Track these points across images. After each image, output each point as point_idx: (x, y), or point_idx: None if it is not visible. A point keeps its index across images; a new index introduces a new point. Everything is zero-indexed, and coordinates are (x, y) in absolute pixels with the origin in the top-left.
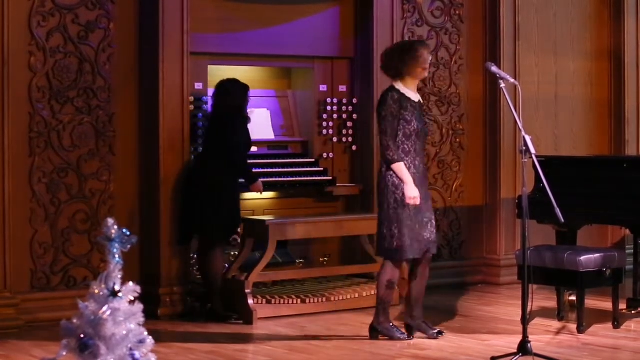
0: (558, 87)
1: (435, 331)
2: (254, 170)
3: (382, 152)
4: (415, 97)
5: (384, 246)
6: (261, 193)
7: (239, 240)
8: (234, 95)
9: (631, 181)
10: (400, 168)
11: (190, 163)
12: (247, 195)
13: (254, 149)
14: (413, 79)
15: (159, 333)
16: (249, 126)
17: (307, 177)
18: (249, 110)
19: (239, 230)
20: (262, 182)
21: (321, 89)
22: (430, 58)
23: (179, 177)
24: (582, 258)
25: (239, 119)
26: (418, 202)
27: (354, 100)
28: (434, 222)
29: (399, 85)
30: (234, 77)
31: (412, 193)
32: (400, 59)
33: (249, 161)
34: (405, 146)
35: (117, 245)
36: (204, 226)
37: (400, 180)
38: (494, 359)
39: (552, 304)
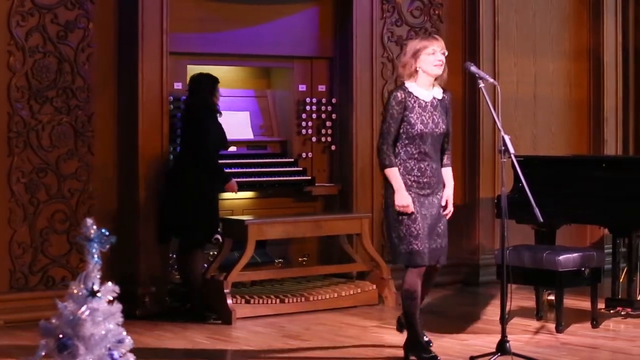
0: (537, 87)
1: (426, 339)
2: (226, 170)
3: (377, 155)
4: (428, 95)
5: (395, 253)
6: (235, 192)
7: (220, 240)
8: (202, 88)
9: (609, 181)
10: (392, 174)
11: (170, 163)
12: (226, 195)
13: (232, 148)
14: (426, 74)
15: (137, 333)
16: (228, 124)
17: (286, 177)
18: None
19: (219, 230)
20: (241, 182)
21: (300, 89)
22: (443, 52)
23: (158, 177)
24: (561, 258)
25: (209, 114)
26: (409, 210)
27: (333, 100)
28: (442, 231)
29: (409, 83)
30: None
31: (401, 201)
32: (412, 55)
33: (227, 161)
34: (409, 149)
35: (95, 245)
36: (183, 227)
37: (412, 177)
38: (473, 359)
39: (531, 303)
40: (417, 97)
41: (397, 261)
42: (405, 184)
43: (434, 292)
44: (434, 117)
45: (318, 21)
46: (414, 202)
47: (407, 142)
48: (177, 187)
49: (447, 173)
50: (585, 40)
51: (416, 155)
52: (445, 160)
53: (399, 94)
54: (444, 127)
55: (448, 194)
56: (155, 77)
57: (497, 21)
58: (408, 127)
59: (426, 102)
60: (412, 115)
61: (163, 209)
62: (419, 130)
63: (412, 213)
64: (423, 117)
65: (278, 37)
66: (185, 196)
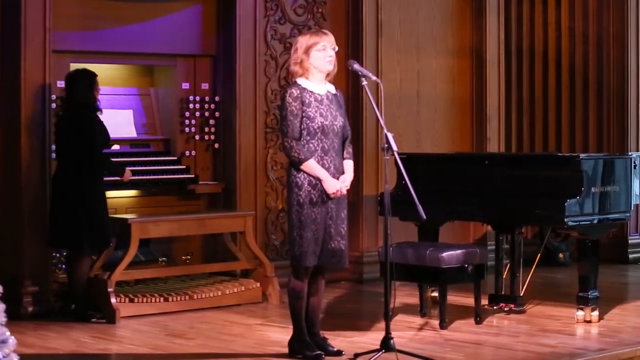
0: (420, 84)
1: (335, 349)
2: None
3: (286, 155)
4: (322, 89)
5: (290, 253)
6: (129, 178)
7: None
8: (80, 86)
9: (492, 178)
10: (311, 166)
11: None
12: (111, 193)
13: (115, 147)
14: (318, 70)
15: (21, 333)
16: (111, 123)
17: (170, 175)
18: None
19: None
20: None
21: (184, 87)
22: (334, 47)
23: (41, 177)
24: (444, 254)
25: (90, 112)
26: (344, 192)
27: (217, 98)
28: (344, 232)
29: (301, 80)
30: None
31: (331, 188)
32: (304, 52)
33: (111, 159)
34: (311, 145)
35: None
36: (72, 239)
37: (316, 178)
38: (357, 356)
39: (415, 300)
40: (312, 91)
41: (290, 261)
42: (310, 182)
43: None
44: (332, 110)
45: (201, 19)
46: (318, 202)
47: (308, 138)
48: (63, 195)
49: (348, 164)
50: (468, 38)
51: (319, 152)
52: (345, 154)
53: (294, 91)
54: (342, 120)
55: (345, 177)
56: (38, 75)
57: (381, 19)
58: (308, 121)
59: (322, 96)
60: (310, 109)
61: (53, 215)
62: (319, 123)
63: (320, 212)
64: (321, 110)
65: (161, 35)
66: (71, 206)
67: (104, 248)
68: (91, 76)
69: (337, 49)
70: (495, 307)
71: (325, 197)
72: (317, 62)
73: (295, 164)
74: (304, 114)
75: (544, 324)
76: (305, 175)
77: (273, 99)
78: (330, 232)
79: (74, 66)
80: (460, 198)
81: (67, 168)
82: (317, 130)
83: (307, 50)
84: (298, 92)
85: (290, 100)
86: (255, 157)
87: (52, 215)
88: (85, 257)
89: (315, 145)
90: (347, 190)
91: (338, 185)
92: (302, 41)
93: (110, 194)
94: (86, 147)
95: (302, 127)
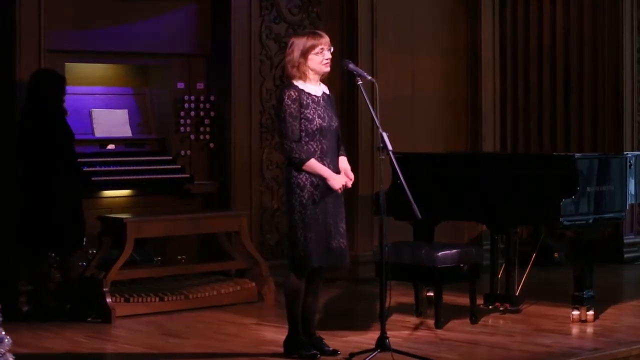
0: (415, 84)
1: (331, 349)
2: (104, 168)
3: (286, 157)
4: (318, 90)
5: (291, 254)
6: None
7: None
8: (49, 89)
9: (487, 177)
10: (313, 165)
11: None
12: (106, 193)
13: (110, 146)
14: (315, 73)
15: (17, 332)
16: (106, 122)
17: (165, 175)
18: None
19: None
20: (119, 180)
21: (178, 87)
22: (330, 49)
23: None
24: (439, 254)
25: (62, 114)
26: (349, 185)
27: (212, 98)
28: (344, 231)
29: (298, 82)
30: (90, 74)
31: (337, 184)
32: (302, 55)
33: (105, 159)
34: (310, 147)
35: None
36: (53, 241)
37: (318, 178)
38: (353, 355)
39: (410, 299)
40: (309, 93)
41: (289, 262)
42: (312, 183)
43: None
44: (328, 111)
45: (196, 19)
46: (319, 202)
47: (307, 139)
48: (36, 197)
49: (344, 160)
50: (463, 37)
51: (319, 153)
52: (340, 152)
53: (292, 92)
54: (337, 121)
55: (347, 172)
56: None
57: (375, 19)
58: (306, 123)
59: (318, 97)
60: (308, 111)
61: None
62: (318, 125)
63: (321, 213)
64: (319, 112)
65: (156, 34)
66: (48, 208)
67: (78, 248)
68: (62, 81)
69: (332, 49)
70: (490, 307)
71: (325, 196)
72: (315, 65)
73: (296, 165)
74: (302, 116)
75: (539, 324)
76: (307, 176)
77: (268, 99)
78: (331, 232)
79: (69, 66)
80: (455, 198)
81: (37, 171)
82: (316, 132)
83: (304, 54)
84: (296, 93)
85: (289, 102)
86: (250, 157)
87: (25, 222)
88: (70, 255)
89: (315, 146)
90: (344, 189)
91: (343, 180)
92: (299, 43)
93: (105, 193)
94: (66, 149)
95: (301, 128)
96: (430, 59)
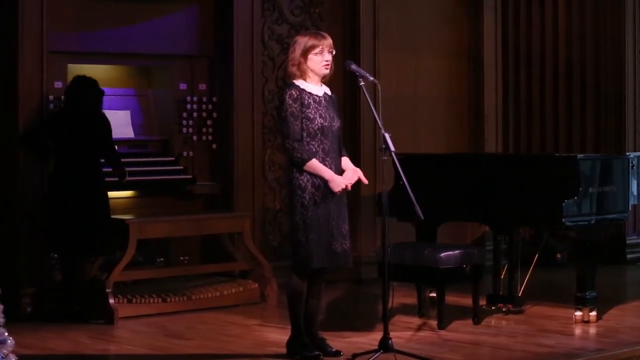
0: (417, 85)
1: (333, 350)
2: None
3: (288, 157)
4: (319, 91)
5: (293, 256)
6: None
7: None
8: (92, 93)
9: (490, 178)
10: (314, 166)
11: (50, 167)
12: (108, 194)
13: None
14: (314, 73)
15: (19, 334)
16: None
17: (167, 175)
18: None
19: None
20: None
21: (181, 88)
22: (331, 51)
23: (40, 178)
24: (442, 255)
25: (101, 117)
26: (349, 187)
27: (214, 99)
28: (346, 232)
29: (299, 81)
30: (92, 75)
31: (337, 186)
32: (302, 54)
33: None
34: (311, 146)
35: None
36: (85, 242)
37: (319, 179)
38: (356, 356)
39: (413, 300)
40: (310, 92)
41: (292, 264)
42: (314, 184)
43: None
44: (330, 111)
45: (198, 20)
46: (321, 204)
47: (308, 139)
48: (67, 195)
49: (346, 160)
50: (465, 37)
51: (320, 153)
52: (342, 153)
53: (293, 92)
54: (339, 121)
55: (347, 175)
56: (35, 76)
57: (378, 19)
58: (308, 122)
59: (320, 97)
60: (310, 110)
61: (56, 218)
62: (319, 124)
63: (323, 214)
64: (320, 112)
65: (158, 35)
66: (80, 207)
67: (106, 252)
68: (101, 93)
69: (334, 52)
70: (493, 308)
71: (327, 197)
72: (314, 65)
73: (298, 165)
74: (303, 115)
75: (542, 325)
76: (309, 177)
77: (270, 100)
78: (333, 233)
79: (71, 67)
80: (458, 198)
81: (72, 170)
82: (317, 132)
83: (304, 53)
84: (297, 93)
85: (290, 102)
86: (252, 158)
87: (54, 219)
88: (90, 258)
89: (316, 146)
90: (347, 189)
91: (343, 183)
92: (301, 42)
93: (110, 194)
94: (112, 150)
95: (302, 128)
96: (433, 59)
